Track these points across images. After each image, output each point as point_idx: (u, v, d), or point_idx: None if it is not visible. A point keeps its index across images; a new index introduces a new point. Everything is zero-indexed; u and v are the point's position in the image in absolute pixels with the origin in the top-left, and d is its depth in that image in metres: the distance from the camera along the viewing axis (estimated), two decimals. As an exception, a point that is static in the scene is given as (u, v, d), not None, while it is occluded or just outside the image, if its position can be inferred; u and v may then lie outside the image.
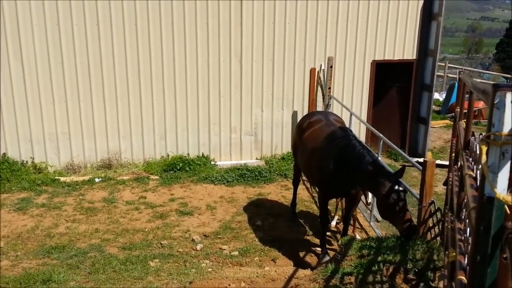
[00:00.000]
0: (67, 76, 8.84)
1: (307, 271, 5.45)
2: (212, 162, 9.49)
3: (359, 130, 10.14)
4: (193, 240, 6.59)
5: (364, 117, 10.29)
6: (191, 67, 9.29)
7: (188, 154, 9.51)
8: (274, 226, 7.03)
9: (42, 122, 8.93)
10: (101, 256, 6.02)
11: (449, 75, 21.19)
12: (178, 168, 8.99)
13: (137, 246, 6.38)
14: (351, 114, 8.20)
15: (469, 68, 26.10)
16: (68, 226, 6.99)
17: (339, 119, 6.76)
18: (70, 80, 8.87)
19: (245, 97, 9.69)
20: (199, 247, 6.36)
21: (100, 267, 5.69)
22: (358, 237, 6.18)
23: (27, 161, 8.99)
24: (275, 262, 5.95)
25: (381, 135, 6.71)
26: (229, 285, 5.05)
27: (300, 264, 5.88)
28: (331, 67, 9.29)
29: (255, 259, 6.03)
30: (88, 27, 8.71)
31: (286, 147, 10.10)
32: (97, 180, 8.63)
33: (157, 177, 8.84)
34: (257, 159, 9.90)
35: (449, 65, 21.79)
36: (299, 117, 9.85)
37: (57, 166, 9.13)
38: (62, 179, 8.66)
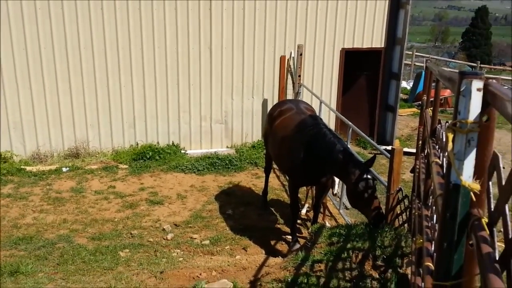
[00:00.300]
0: (31, 63, 8.53)
1: (278, 259, 5.50)
2: (183, 151, 9.41)
3: (329, 118, 10.24)
4: (163, 229, 6.55)
5: (333, 105, 10.39)
6: (160, 54, 9.13)
7: (158, 142, 9.39)
8: (245, 215, 7.05)
9: (6, 110, 8.61)
10: (70, 247, 5.91)
11: (416, 63, 21.61)
12: (148, 157, 8.87)
13: (107, 236, 6.28)
14: (320, 102, 8.26)
15: (435, 57, 26.71)
16: (35, 216, 6.81)
17: (310, 107, 6.80)
18: (35, 67, 8.57)
19: (215, 85, 9.61)
20: (169, 236, 6.32)
21: (69, 258, 5.58)
22: (328, 224, 6.27)
23: (-11, 151, 8.68)
24: (246, 251, 5.98)
25: (350, 123, 6.79)
26: (200, 274, 5.04)
27: (271, 252, 5.93)
28: (301, 54, 9.31)
29: (226, 248, 6.04)
30: (52, 9, 8.41)
31: (256, 135, 10.12)
32: (64, 169, 8.42)
33: (126, 166, 8.71)
34: (227, 147, 9.88)
35: (416, 53, 22.20)
36: (270, 105, 9.86)
37: (22, 155, 8.84)
38: (28, 168, 8.41)
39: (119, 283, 4.74)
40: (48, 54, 8.58)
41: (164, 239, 6.27)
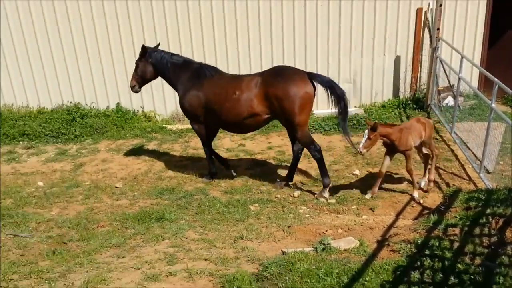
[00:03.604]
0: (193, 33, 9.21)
1: (407, 221, 5.31)
2: (310, 110, 9.42)
3: (471, 75, 9.32)
4: (290, 187, 6.73)
5: (477, 60, 9.38)
6: (288, 8, 9.10)
7: (286, 102, 9.52)
8: (373, 176, 6.88)
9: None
10: (206, 199, 6.43)
11: None
12: (276, 116, 9.07)
13: (238, 191, 6.68)
14: (462, 57, 7.52)
15: None
16: (176, 170, 7.51)
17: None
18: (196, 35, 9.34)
19: (343, 42, 9.31)
20: (296, 194, 6.47)
21: (206, 209, 6.08)
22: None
23: (138, 110, 9.72)
24: (373, 211, 5.87)
25: (495, 79, 6.10)
26: (326, 231, 5.11)
27: (399, 214, 5.73)
28: (441, 5, 8.50)
29: (352, 207, 6.00)
30: None
31: (387, 94, 9.67)
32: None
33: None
34: (355, 107, 9.61)
35: None
36: (403, 63, 9.34)
37: (164, 115, 9.75)
38: (169, 127, 9.26)
39: (250, 234, 5.04)
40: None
41: (291, 196, 6.45)
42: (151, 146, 8.52)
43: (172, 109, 9.70)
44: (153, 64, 6.88)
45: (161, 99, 9.68)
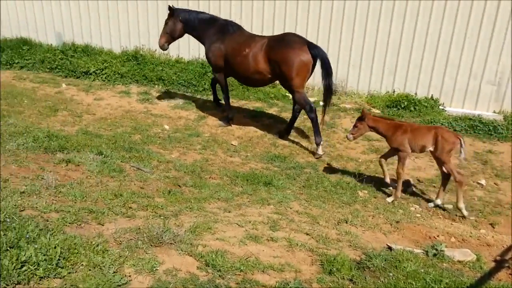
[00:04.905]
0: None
1: (534, 248, 4.75)
2: (441, 107, 8.75)
3: None
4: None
5: None
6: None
7: (416, 93, 8.95)
8: (500, 189, 6.26)
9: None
10: (315, 174, 6.39)
11: None
12: (403, 106, 8.60)
13: (349, 173, 6.52)
14: None
15: None
16: (290, 140, 7.55)
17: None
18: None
19: (495, 41, 8.37)
20: (409, 190, 6.14)
21: (313, 184, 6.06)
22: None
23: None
24: (493, 227, 5.35)
25: None
26: (438, 236, 4.79)
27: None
28: None
29: (470, 218, 5.52)
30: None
31: (537, 104, 8.57)
32: (321, 103, 8.95)
33: (379, 111, 8.67)
34: (494, 112, 8.70)
35: None
36: None
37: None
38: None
39: (355, 219, 4.92)
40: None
41: (403, 191, 6.13)
42: (271, 111, 8.65)
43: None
44: (182, 22, 7.71)
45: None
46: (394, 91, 9.12)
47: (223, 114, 8.28)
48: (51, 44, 11.11)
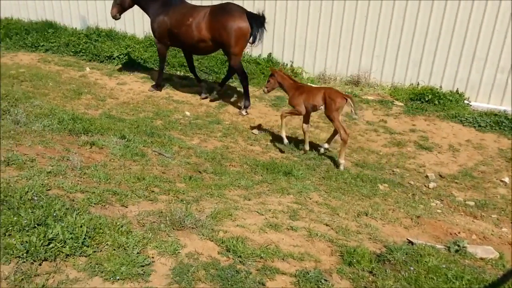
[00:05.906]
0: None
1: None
2: (466, 101, 8.59)
3: None
4: (426, 176, 6.33)
5: None
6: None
7: (441, 87, 8.80)
8: (527, 190, 6.14)
9: (306, 31, 9.46)
10: (335, 166, 6.35)
11: None
12: (426, 99, 8.47)
13: (369, 166, 6.48)
14: None
15: None
16: (311, 130, 7.52)
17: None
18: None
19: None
20: (431, 185, 6.07)
21: (333, 175, 6.03)
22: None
23: (287, 64, 9.82)
24: (516, 226, 5.26)
25: None
26: (459, 232, 4.72)
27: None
28: None
29: (492, 216, 5.45)
30: None
31: None
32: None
33: (402, 104, 8.57)
34: None
35: None
36: None
37: (310, 73, 9.72)
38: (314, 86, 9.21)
39: (375, 213, 4.88)
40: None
41: (425, 186, 6.08)
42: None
43: (321, 70, 9.61)
44: None
45: (312, 57, 9.62)
46: (418, 84, 8.99)
47: (157, 81, 8.78)
48: (76, 28, 11.24)
